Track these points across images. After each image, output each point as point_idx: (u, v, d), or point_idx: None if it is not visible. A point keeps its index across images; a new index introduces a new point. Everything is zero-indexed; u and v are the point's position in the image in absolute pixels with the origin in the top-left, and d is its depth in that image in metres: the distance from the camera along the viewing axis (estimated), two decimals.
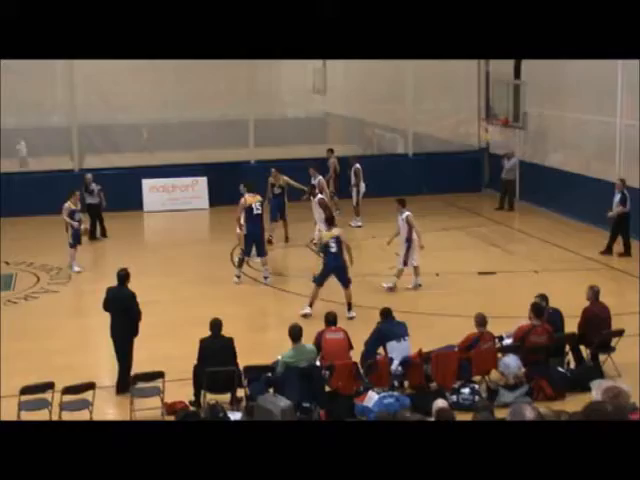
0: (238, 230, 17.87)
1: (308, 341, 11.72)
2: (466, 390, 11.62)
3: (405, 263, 16.68)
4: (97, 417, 10.82)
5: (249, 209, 17.32)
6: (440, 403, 7.93)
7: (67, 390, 10.85)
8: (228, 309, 14.62)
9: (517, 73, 25.01)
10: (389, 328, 12.34)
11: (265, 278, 17.55)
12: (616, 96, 20.93)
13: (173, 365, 11.82)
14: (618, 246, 19.28)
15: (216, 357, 11.42)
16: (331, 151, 23.99)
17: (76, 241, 18.61)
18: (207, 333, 11.69)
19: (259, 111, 26.45)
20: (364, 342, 12.22)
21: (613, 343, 12.73)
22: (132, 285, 12.45)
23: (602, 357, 12.57)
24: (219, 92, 26.62)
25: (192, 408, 11.41)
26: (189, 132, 25.98)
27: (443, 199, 25.15)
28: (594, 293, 12.92)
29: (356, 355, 12.07)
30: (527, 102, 24.42)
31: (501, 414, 8.49)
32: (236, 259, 18.06)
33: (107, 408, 11.78)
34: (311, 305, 15.13)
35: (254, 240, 17.35)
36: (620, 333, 12.73)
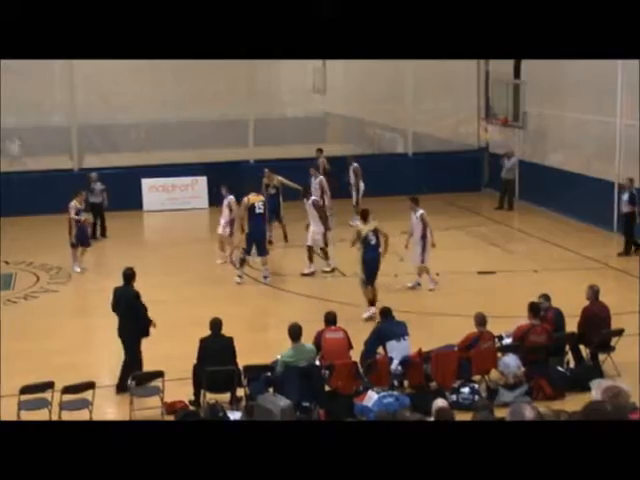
0: (235, 230, 17.85)
1: (308, 341, 11.72)
2: (466, 390, 11.62)
3: (423, 260, 16.80)
4: (97, 417, 10.83)
5: (251, 208, 17.32)
6: (440, 403, 7.93)
7: (67, 390, 10.85)
8: (228, 309, 14.61)
9: (517, 73, 24.99)
10: (389, 328, 12.35)
11: (265, 278, 17.55)
12: (616, 96, 20.93)
13: (173, 365, 11.82)
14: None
15: (216, 357, 11.41)
16: (320, 151, 23.82)
17: (79, 241, 18.57)
18: (207, 333, 11.70)
19: (258, 111, 26.45)
20: (364, 342, 12.24)
21: (613, 342, 12.73)
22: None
23: (602, 357, 12.58)
24: (218, 92, 26.61)
25: (192, 408, 11.42)
26: (189, 132, 25.97)
27: (443, 198, 25.11)
28: (594, 292, 12.91)
29: (356, 355, 12.07)
30: (527, 102, 24.40)
31: (501, 414, 8.48)
32: (237, 259, 18.06)
33: (107, 408, 11.78)
34: (372, 304, 15.03)
35: (255, 239, 17.35)
36: (620, 332, 12.73)
